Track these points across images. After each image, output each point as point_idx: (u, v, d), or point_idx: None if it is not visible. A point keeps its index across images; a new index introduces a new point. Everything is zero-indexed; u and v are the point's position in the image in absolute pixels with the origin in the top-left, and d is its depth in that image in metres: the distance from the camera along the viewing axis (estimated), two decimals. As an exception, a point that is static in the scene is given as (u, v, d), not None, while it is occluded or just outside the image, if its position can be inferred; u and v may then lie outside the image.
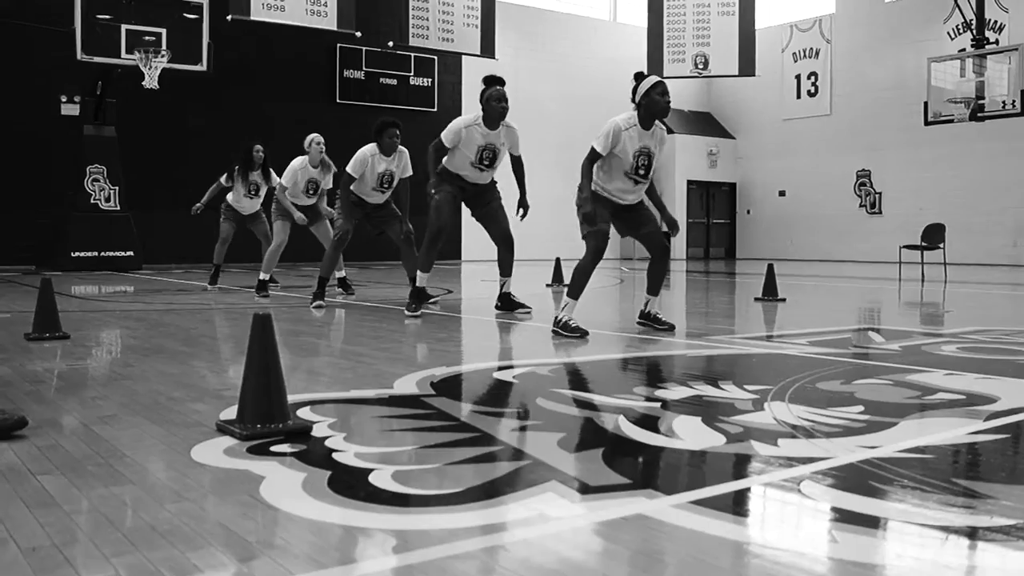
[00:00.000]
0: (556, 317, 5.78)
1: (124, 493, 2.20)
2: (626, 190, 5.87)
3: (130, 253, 15.15)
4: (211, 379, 3.91)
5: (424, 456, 2.57)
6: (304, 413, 3.10)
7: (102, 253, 14.89)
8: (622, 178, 5.80)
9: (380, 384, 3.76)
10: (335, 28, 15.67)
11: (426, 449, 2.66)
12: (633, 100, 5.84)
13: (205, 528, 1.94)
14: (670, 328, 5.91)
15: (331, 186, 9.11)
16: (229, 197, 10.31)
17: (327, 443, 2.69)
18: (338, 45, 18.88)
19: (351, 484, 2.26)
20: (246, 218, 10.43)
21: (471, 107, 20.94)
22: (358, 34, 16.07)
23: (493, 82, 7.04)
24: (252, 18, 14.79)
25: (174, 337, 5.54)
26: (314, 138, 9.20)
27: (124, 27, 14.01)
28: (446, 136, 7.06)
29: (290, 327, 6.07)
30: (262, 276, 9.04)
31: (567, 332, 5.65)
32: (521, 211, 7.21)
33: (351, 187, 7.70)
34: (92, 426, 2.95)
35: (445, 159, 7.23)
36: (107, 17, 13.84)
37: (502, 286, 7.53)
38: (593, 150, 5.67)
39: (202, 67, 14.76)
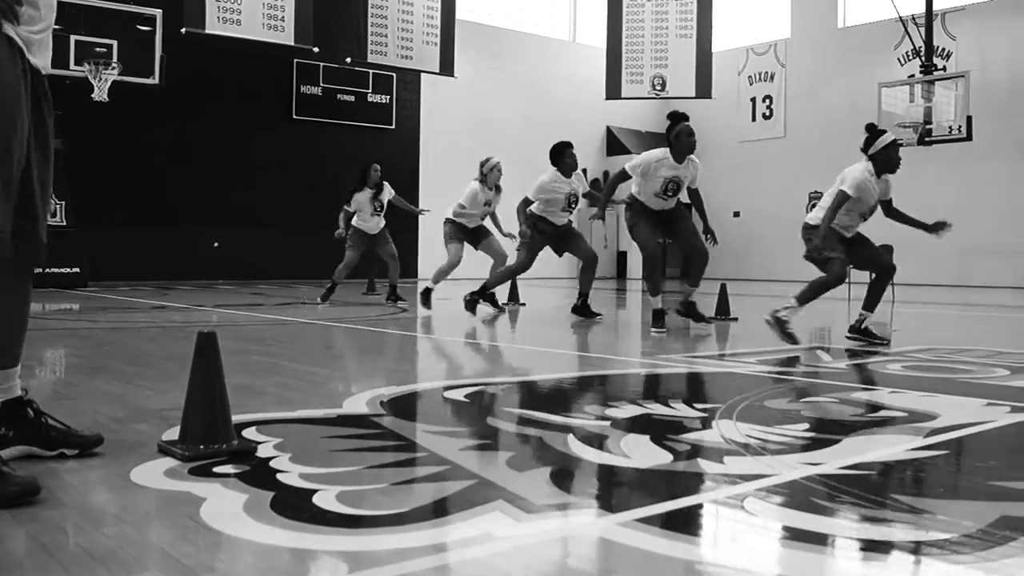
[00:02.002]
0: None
1: (59, 517, 2.14)
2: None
3: (76, 270, 14.88)
4: (155, 399, 3.84)
5: (370, 476, 2.54)
6: (250, 433, 3.05)
7: (46, 269, 14.63)
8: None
9: (329, 403, 3.73)
10: (292, 43, 15.59)
11: (373, 469, 2.63)
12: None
13: (143, 552, 1.90)
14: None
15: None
16: (355, 220, 10.77)
17: (272, 464, 2.65)
18: (295, 60, 18.81)
19: (294, 505, 2.23)
20: (373, 239, 10.87)
21: (430, 125, 21.08)
22: (315, 50, 16.00)
23: (680, 118, 7.59)
24: (207, 31, 14.65)
25: (119, 356, 5.45)
26: (496, 164, 9.96)
27: (73, 38, 13.78)
28: (633, 167, 7.53)
29: (241, 345, 6.01)
30: (430, 285, 9.83)
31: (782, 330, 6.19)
32: (710, 238, 7.88)
33: (538, 210, 8.57)
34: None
35: (634, 187, 7.66)
36: (56, 27, 13.63)
37: (687, 296, 7.99)
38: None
39: (154, 80, 14.59)
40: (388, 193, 10.90)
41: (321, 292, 11.00)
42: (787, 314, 6.19)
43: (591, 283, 8.81)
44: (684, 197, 7.85)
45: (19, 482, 2.25)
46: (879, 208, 6.52)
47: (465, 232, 9.80)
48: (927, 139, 15.35)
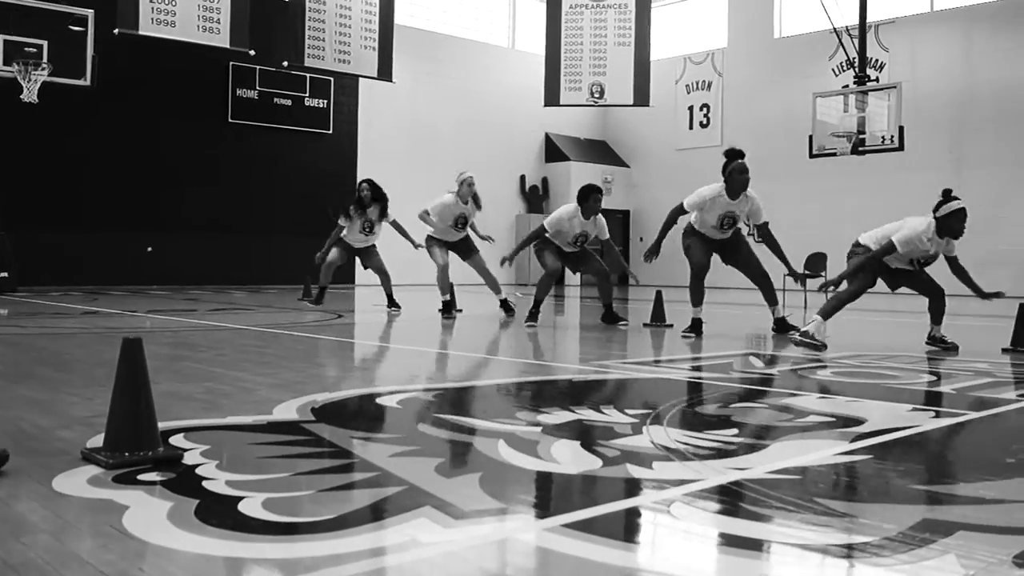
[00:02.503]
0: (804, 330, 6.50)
1: (-24, 525, 2.10)
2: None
3: (4, 274, 14.52)
4: (81, 406, 3.77)
5: (298, 483, 2.52)
6: (177, 440, 3.01)
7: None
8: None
9: (259, 410, 3.69)
10: (228, 46, 15.38)
11: (301, 476, 2.61)
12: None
13: (60, 561, 1.86)
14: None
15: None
16: (343, 233, 10.62)
17: (198, 471, 2.62)
18: (231, 63, 18.58)
19: (219, 513, 2.20)
20: (358, 251, 10.77)
21: (367, 130, 20.98)
22: (252, 52, 15.81)
23: (736, 155, 7.85)
24: (140, 33, 14.39)
25: (46, 362, 5.34)
26: (466, 179, 9.78)
27: (2, 38, 13.44)
28: (690, 203, 7.95)
29: (173, 351, 5.92)
30: (444, 298, 9.92)
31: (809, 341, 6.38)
32: (792, 278, 8.73)
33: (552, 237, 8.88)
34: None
35: (693, 218, 8.12)
36: (-17, 27, 13.33)
37: (775, 315, 8.35)
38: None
39: (86, 82, 14.29)
40: (387, 216, 10.75)
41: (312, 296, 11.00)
42: (813, 329, 6.45)
43: (610, 294, 9.25)
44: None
45: None
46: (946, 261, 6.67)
47: (447, 245, 9.92)
48: (860, 149, 15.65)
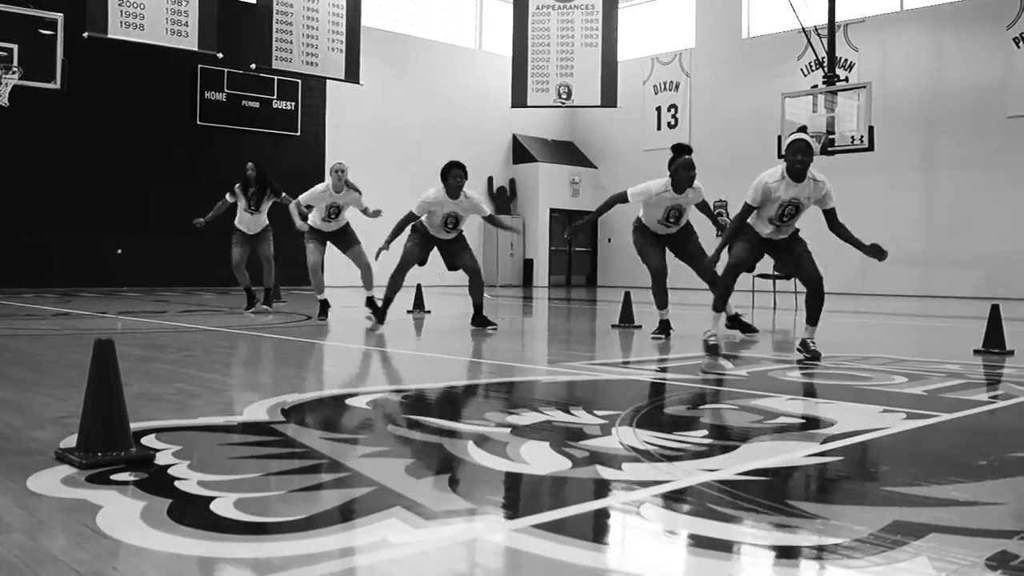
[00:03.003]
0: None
1: (-51, 525, 2.11)
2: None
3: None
4: (54, 406, 3.77)
5: (268, 483, 2.55)
6: (149, 441, 3.02)
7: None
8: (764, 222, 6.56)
9: (230, 411, 3.70)
10: (196, 49, 15.32)
11: (271, 476, 2.63)
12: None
13: (36, 559, 1.88)
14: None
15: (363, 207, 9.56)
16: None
17: (170, 471, 2.63)
18: (199, 66, 18.47)
19: (191, 512, 2.22)
20: (253, 239, 10.47)
21: (335, 132, 20.95)
22: (219, 55, 15.75)
23: (682, 151, 7.96)
24: (110, 36, 14.31)
25: (18, 363, 5.31)
26: (335, 165, 9.41)
27: (-26, 42, 13.39)
28: (634, 193, 7.95)
29: (142, 352, 5.90)
30: (319, 297, 9.67)
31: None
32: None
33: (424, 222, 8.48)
34: (-82, 457, 2.82)
35: (641, 213, 8.19)
36: (-46, 30, 13.21)
37: (737, 315, 8.39)
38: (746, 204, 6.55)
39: (56, 85, 14.20)
40: (280, 198, 10.39)
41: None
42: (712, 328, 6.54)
43: (480, 294, 8.77)
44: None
45: None
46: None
47: (325, 236, 9.50)
48: (830, 149, 15.75)
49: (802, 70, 20.95)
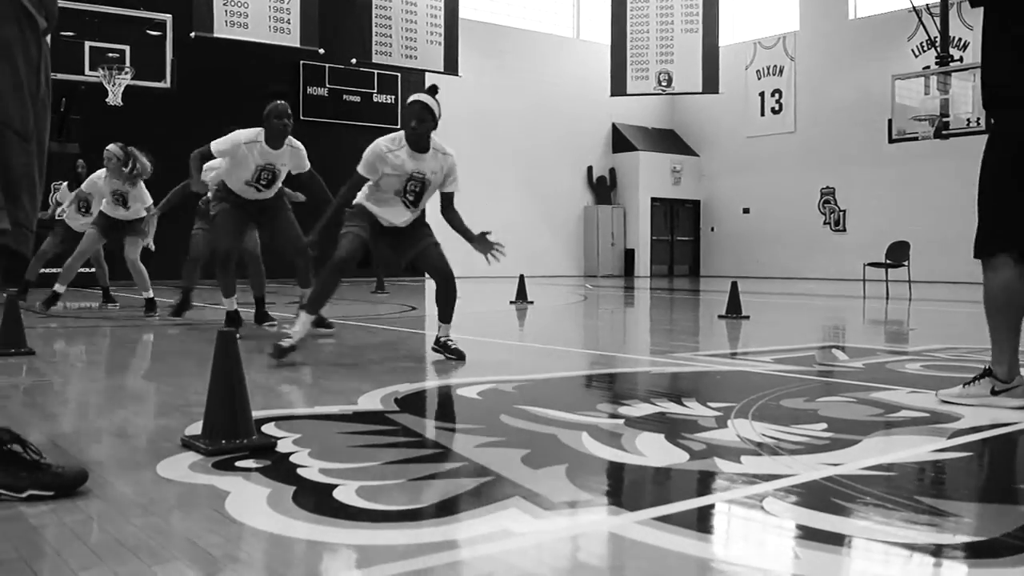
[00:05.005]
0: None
1: (90, 507, 2.19)
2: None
3: (92, 269, 14.93)
4: (176, 395, 3.88)
5: (388, 472, 2.57)
6: (269, 429, 3.09)
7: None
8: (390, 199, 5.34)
9: (344, 400, 3.75)
10: (298, 45, 15.67)
11: (390, 465, 2.66)
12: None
13: (171, 542, 1.93)
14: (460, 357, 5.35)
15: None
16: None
17: (292, 459, 2.68)
18: (301, 62, 18.86)
19: (315, 499, 2.26)
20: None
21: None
22: (321, 51, 16.06)
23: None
24: (215, 35, 14.75)
25: (138, 354, 5.50)
26: (105, 152, 8.95)
27: (88, 44, 13.94)
28: (219, 146, 6.47)
29: (254, 343, 6.04)
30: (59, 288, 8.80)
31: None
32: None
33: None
34: (57, 441, 2.93)
35: (223, 172, 6.69)
36: (70, 34, 13.76)
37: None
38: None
39: (165, 84, 14.69)
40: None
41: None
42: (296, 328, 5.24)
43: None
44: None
45: (65, 472, 2.30)
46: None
47: (111, 226, 8.82)
48: (944, 132, 15.19)
49: (913, 51, 20.26)
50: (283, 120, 6.42)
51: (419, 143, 5.19)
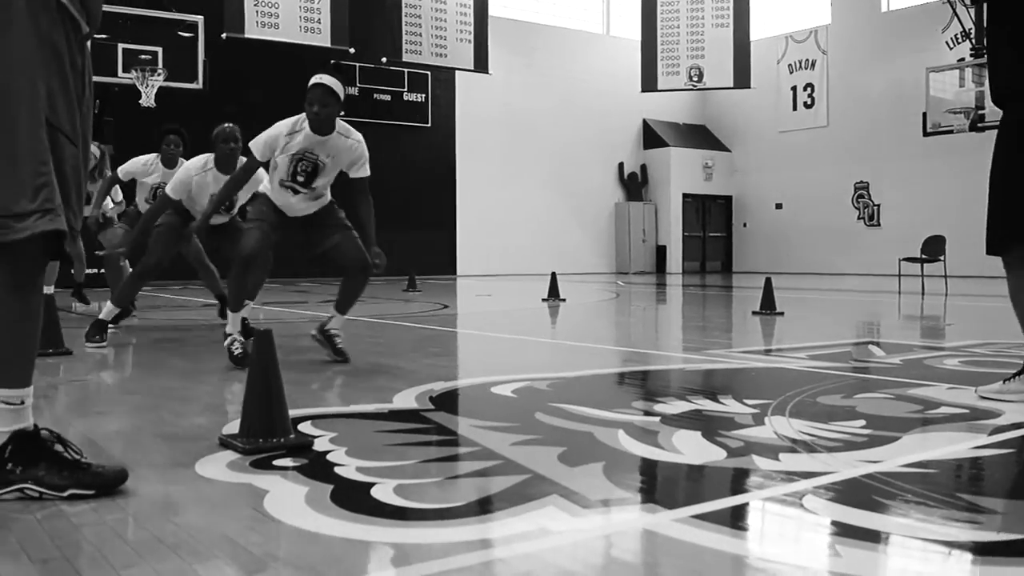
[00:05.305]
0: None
1: (130, 506, 2.21)
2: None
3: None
4: (213, 394, 3.92)
5: (425, 470, 2.57)
6: (305, 427, 3.11)
7: (100, 270, 14.86)
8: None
9: (379, 399, 3.76)
10: (329, 45, 15.74)
11: (427, 463, 2.66)
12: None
13: (211, 541, 1.94)
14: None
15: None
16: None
17: (329, 457, 2.70)
18: (332, 61, 18.92)
19: (354, 498, 2.27)
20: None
21: (465, 122, 21.13)
22: (351, 50, 16.12)
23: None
24: (247, 36, 14.85)
25: (176, 353, 5.55)
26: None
27: (120, 46, 14.06)
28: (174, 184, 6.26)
29: (288, 342, 6.08)
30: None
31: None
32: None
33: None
34: (96, 440, 2.96)
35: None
36: (103, 36, 13.88)
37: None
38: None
39: (198, 85, 14.80)
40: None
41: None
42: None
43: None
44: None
45: (105, 471, 2.32)
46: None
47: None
48: (980, 125, 15.01)
49: (947, 43, 20.01)
50: (229, 144, 6.28)
51: (321, 128, 4.90)
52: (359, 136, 5.10)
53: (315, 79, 4.90)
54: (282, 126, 5.05)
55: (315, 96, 4.82)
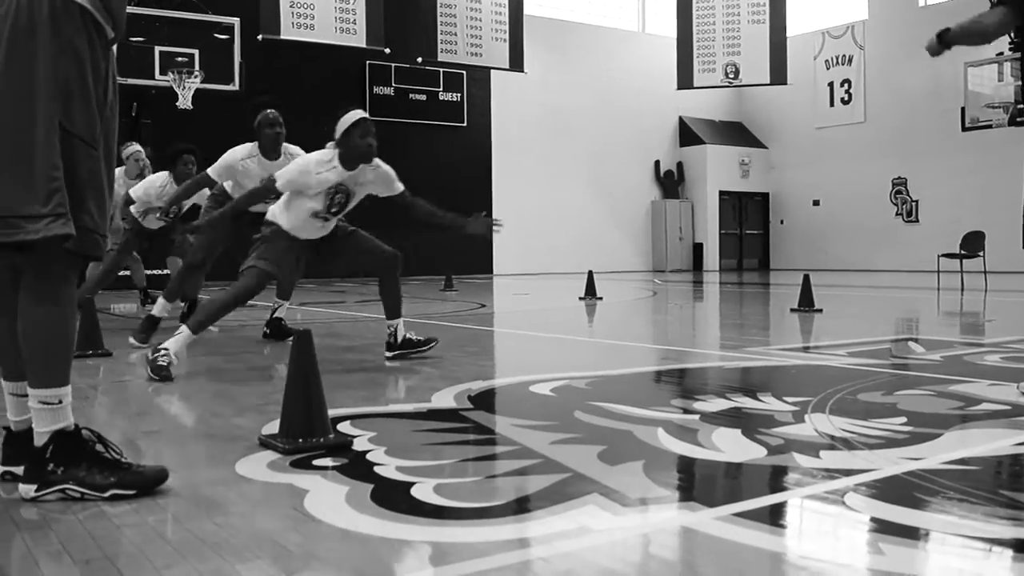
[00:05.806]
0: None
1: (171, 506, 2.24)
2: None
3: (167, 271, 15.27)
4: (252, 394, 3.95)
5: (465, 469, 2.58)
6: (344, 427, 3.12)
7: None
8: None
9: (417, 398, 3.78)
10: (364, 45, 15.81)
11: (467, 462, 2.67)
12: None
13: (252, 540, 1.96)
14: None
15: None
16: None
17: (368, 457, 2.71)
18: (367, 62, 19.01)
19: (394, 497, 2.28)
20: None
21: (501, 121, 21.15)
22: (387, 50, 16.19)
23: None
24: (282, 37, 14.96)
25: (214, 353, 5.60)
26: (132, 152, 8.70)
27: (158, 49, 14.21)
28: (217, 170, 6.24)
29: (327, 342, 6.12)
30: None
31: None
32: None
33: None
34: (137, 441, 3.00)
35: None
36: (140, 39, 14.04)
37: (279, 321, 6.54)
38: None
39: (234, 86, 14.92)
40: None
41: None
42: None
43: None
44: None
45: (145, 471, 2.35)
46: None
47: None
48: (1019, 119, 14.81)
49: (986, 37, 19.73)
50: (275, 129, 6.25)
51: (364, 158, 4.99)
52: (377, 159, 5.16)
53: (359, 114, 4.96)
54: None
55: (367, 128, 4.94)
